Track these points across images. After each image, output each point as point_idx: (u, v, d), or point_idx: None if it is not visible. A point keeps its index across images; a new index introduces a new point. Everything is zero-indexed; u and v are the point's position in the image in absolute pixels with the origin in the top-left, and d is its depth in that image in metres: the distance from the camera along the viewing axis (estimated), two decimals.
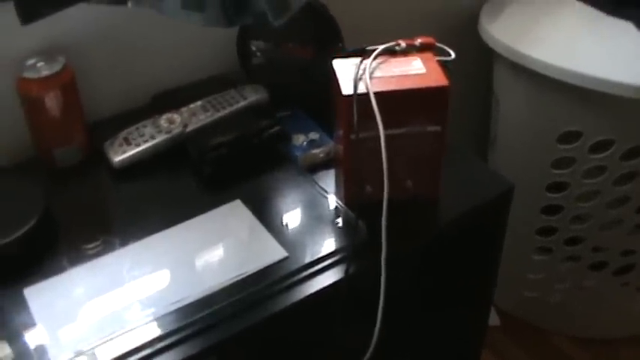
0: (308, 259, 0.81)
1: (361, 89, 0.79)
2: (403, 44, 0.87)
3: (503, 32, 1.30)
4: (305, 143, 0.98)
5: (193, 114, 1.02)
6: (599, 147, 1.29)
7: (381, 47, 0.86)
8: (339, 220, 0.87)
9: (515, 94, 1.37)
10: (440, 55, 0.88)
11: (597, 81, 1.18)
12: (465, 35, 1.41)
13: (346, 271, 0.79)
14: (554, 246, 1.49)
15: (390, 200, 0.81)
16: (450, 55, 0.88)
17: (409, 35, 0.88)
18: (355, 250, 0.81)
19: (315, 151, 0.97)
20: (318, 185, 0.92)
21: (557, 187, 1.39)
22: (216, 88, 1.07)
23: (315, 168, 0.97)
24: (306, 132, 1.00)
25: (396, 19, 1.34)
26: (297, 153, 0.97)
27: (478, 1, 1.44)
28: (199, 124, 1.01)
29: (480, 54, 1.43)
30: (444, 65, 0.87)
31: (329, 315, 0.78)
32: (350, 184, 0.88)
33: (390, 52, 0.87)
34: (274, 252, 0.82)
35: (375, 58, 0.85)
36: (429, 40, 0.89)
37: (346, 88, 0.80)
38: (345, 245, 0.82)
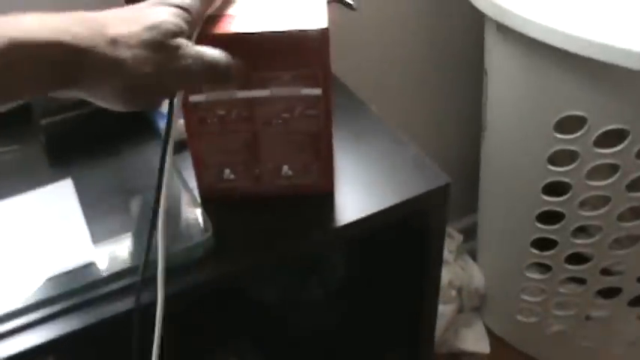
0: (116, 269, 0.59)
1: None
2: None
3: None
4: None
5: None
6: (608, 139, 1.05)
7: None
8: (185, 217, 0.65)
9: (505, 67, 1.12)
10: None
11: (607, 50, 0.92)
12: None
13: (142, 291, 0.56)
14: (553, 263, 1.25)
15: (258, 194, 0.65)
16: None
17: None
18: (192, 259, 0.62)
19: None
20: (175, 168, 0.70)
21: (557, 188, 1.14)
22: None
23: (184, 145, 0.73)
24: None
25: None
26: (161, 122, 0.74)
27: None
28: None
29: (473, 22, 1.22)
30: (341, 2, 0.63)
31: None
32: (198, 166, 0.65)
33: None
34: (80, 254, 0.61)
35: None
36: None
37: None
38: (175, 253, 0.60)
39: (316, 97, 0.60)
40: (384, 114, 0.78)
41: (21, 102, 0.79)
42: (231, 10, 0.59)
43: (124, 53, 0.47)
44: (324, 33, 0.56)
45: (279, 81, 0.59)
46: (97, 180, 0.73)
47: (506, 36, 1.07)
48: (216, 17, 0.58)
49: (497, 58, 1.14)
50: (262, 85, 0.60)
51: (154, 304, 0.58)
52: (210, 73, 0.52)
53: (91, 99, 0.49)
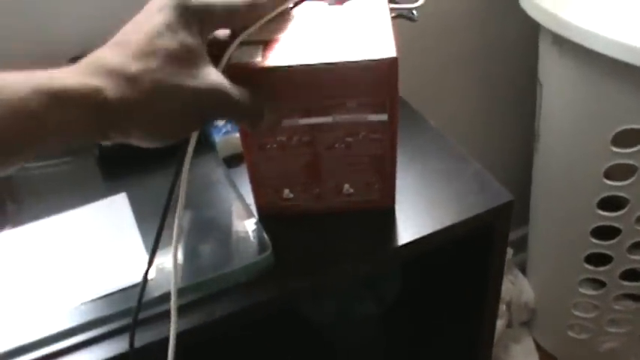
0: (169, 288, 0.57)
1: (251, 57, 0.53)
2: None
3: None
4: (230, 124, 0.74)
5: None
6: None
7: None
8: (243, 235, 0.63)
9: (561, 78, 1.09)
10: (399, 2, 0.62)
11: None
12: (508, 11, 1.17)
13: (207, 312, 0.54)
14: (607, 279, 1.20)
15: (317, 211, 0.63)
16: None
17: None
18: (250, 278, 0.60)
19: None
20: (231, 182, 0.68)
21: (613, 203, 1.11)
22: None
23: (239, 158, 0.72)
24: None
25: None
26: (216, 136, 0.73)
27: None
28: None
29: (526, 33, 1.20)
30: (403, 16, 0.61)
31: None
32: (256, 187, 0.63)
33: None
34: (136, 271, 0.60)
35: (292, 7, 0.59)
36: None
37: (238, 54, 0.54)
38: (232, 272, 0.58)
39: (382, 122, 0.57)
40: (437, 126, 0.76)
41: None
42: (285, 35, 0.55)
43: (146, 90, 0.44)
44: (393, 62, 0.52)
45: (344, 108, 0.56)
46: (150, 194, 0.71)
47: (563, 47, 1.04)
48: (272, 43, 0.54)
49: (553, 70, 1.11)
50: (325, 113, 0.56)
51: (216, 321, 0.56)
52: (234, 112, 0.49)
53: (126, 141, 0.46)
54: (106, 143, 0.49)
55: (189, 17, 0.47)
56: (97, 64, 0.44)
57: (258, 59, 0.52)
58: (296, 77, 0.53)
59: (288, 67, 0.52)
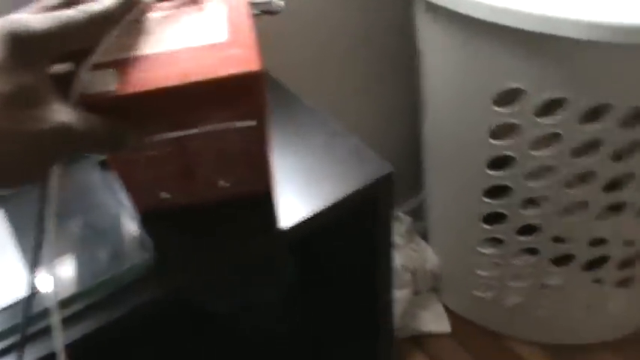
0: (60, 297, 0.57)
1: (104, 85, 0.50)
2: None
3: None
4: None
5: None
6: (548, 108, 1.05)
7: None
8: (124, 237, 0.63)
9: (438, 45, 1.12)
10: None
11: (536, 19, 0.92)
12: None
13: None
14: (504, 236, 1.25)
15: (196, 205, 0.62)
16: None
17: None
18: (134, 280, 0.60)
19: None
20: (108, 185, 0.68)
21: (501, 162, 1.15)
22: None
23: None
24: None
25: None
26: None
27: None
28: None
29: (403, 4, 1.22)
30: (267, 12, 0.61)
31: None
32: (130, 193, 0.64)
33: None
34: (16, 287, 0.59)
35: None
36: None
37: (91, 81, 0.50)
38: (115, 276, 0.58)
39: (251, 127, 0.57)
40: (319, 103, 0.77)
41: None
42: (139, 51, 0.52)
43: None
44: (257, 75, 0.51)
45: (210, 119, 0.55)
46: (28, 208, 0.69)
47: (436, 14, 1.07)
48: (125, 63, 0.51)
49: (429, 37, 1.14)
50: (192, 125, 0.55)
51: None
52: (88, 147, 0.48)
53: None
54: None
55: (22, 50, 0.44)
56: None
57: (112, 87, 0.49)
58: (156, 100, 0.50)
59: (146, 92, 0.49)
